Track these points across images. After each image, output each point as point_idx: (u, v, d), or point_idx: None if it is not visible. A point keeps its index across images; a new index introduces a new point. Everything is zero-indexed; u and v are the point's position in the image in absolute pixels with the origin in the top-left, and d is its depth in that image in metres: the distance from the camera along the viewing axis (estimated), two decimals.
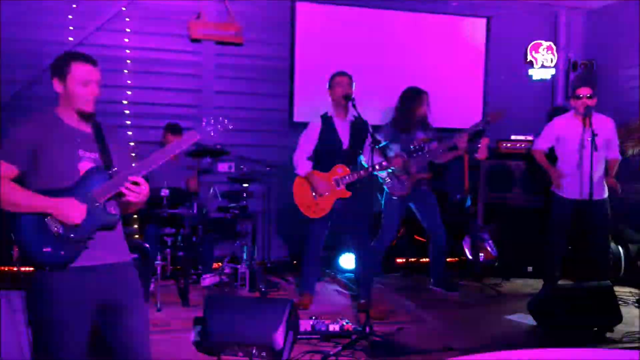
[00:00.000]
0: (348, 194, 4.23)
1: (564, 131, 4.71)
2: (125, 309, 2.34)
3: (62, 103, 2.31)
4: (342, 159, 4.29)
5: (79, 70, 2.27)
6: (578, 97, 4.56)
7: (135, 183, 2.22)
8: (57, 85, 2.28)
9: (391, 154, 4.78)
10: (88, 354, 2.24)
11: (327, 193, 4.21)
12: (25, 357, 2.85)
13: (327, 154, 4.32)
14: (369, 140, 4.07)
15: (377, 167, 4.07)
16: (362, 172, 4.16)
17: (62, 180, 2.21)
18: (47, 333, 2.19)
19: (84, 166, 2.25)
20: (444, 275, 5.14)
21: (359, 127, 4.24)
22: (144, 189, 2.25)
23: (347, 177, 4.21)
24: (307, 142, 4.38)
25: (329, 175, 4.24)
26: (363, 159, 4.44)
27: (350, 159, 4.34)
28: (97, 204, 2.23)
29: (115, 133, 2.48)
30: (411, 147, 4.24)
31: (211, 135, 2.39)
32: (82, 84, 2.26)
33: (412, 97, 4.87)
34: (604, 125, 4.62)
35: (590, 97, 4.52)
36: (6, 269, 4.99)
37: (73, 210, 2.14)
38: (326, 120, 4.36)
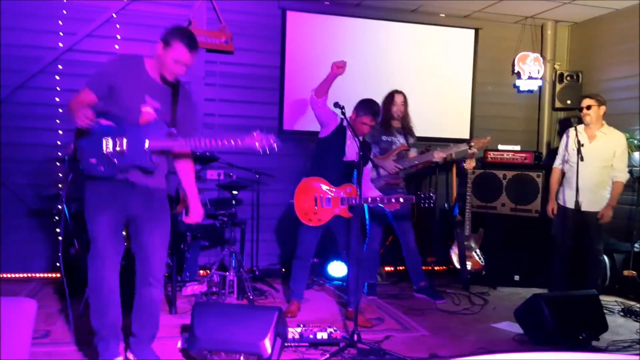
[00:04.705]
0: (349, 215, 4.22)
1: (569, 141, 4.90)
2: (151, 221, 2.95)
3: (155, 59, 2.86)
4: (343, 174, 4.28)
5: (177, 50, 2.82)
6: (580, 109, 4.84)
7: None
8: (159, 48, 2.83)
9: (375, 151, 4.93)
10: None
11: (329, 206, 4.22)
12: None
13: (330, 164, 4.27)
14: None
15: (369, 200, 4.13)
16: (370, 200, 4.14)
17: (126, 113, 2.78)
18: (91, 214, 2.86)
19: (145, 108, 2.81)
20: (430, 283, 5.19)
21: (364, 149, 4.17)
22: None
23: (353, 200, 4.15)
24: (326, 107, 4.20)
25: (338, 190, 4.23)
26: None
27: (350, 176, 4.33)
28: (146, 149, 2.75)
29: (189, 99, 3.06)
30: (421, 194, 4.13)
31: (265, 151, 2.86)
32: (174, 61, 2.83)
33: (387, 97, 5.08)
34: (615, 140, 4.81)
35: (589, 108, 4.75)
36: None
37: None
38: (342, 127, 4.31)
